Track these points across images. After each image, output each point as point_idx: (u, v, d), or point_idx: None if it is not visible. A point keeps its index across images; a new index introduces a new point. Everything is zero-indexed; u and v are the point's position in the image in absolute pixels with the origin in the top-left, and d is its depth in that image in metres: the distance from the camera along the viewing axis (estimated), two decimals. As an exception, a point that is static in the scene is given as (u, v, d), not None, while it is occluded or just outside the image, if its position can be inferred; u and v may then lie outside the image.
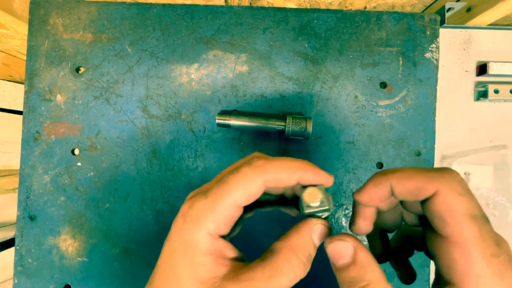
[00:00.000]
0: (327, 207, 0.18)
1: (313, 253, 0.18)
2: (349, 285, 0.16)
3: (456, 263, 0.15)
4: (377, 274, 0.16)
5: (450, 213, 0.16)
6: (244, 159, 0.20)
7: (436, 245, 0.17)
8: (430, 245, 0.17)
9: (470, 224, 0.15)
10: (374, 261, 0.17)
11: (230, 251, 0.18)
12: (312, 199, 0.18)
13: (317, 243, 0.18)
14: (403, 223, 0.22)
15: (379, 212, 0.21)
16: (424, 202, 0.17)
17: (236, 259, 0.18)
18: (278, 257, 0.17)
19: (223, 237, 0.18)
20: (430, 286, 0.19)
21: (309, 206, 0.18)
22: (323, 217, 0.19)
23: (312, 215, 0.19)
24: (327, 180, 0.19)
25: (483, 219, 0.16)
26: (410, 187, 0.17)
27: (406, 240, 0.23)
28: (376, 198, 0.18)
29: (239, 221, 0.21)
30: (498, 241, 0.16)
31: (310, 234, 0.18)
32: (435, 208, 0.16)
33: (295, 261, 0.17)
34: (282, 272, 0.16)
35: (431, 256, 0.21)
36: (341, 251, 0.17)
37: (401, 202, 0.21)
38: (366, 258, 0.17)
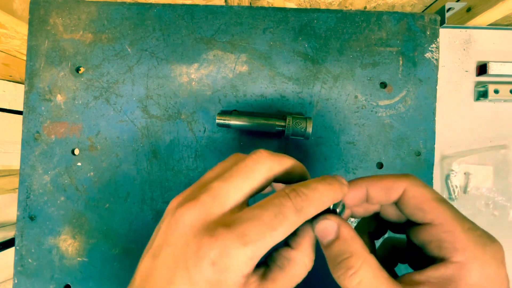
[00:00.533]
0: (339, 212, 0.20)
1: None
2: (335, 259, 0.18)
3: (444, 241, 0.17)
4: (359, 247, 0.17)
5: (424, 201, 0.18)
6: (247, 162, 0.18)
7: (422, 234, 0.19)
8: (417, 237, 0.19)
9: (443, 206, 0.18)
10: (357, 235, 0.18)
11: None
12: (338, 205, 0.20)
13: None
14: (387, 234, 0.24)
15: (367, 218, 0.23)
16: (398, 204, 0.20)
17: (255, 269, 0.18)
18: (295, 265, 0.18)
19: None
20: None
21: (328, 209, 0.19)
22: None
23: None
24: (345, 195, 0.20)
25: (448, 202, 0.18)
26: (383, 186, 0.20)
27: (392, 250, 0.24)
28: (352, 198, 0.20)
29: None
30: (468, 218, 0.18)
31: (315, 235, 0.19)
32: (410, 201, 0.19)
33: (308, 263, 0.18)
34: (300, 276, 0.18)
35: (414, 266, 0.22)
36: (327, 228, 0.18)
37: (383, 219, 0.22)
38: (349, 233, 0.18)
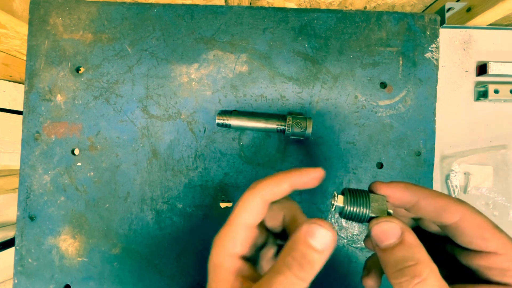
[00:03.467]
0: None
1: (308, 251, 0.18)
2: (396, 264, 0.17)
3: (510, 269, 0.17)
4: (425, 255, 0.17)
5: (486, 230, 0.18)
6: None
7: (479, 260, 0.18)
8: (471, 262, 0.19)
9: (503, 235, 0.18)
10: (421, 243, 0.17)
11: (248, 270, 0.20)
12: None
13: (315, 244, 0.18)
14: None
15: None
16: (448, 228, 0.19)
17: (253, 277, 0.19)
18: (273, 266, 0.18)
19: (247, 259, 0.20)
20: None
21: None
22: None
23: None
24: (314, 176, 0.20)
25: (502, 229, 0.18)
26: (437, 204, 0.19)
27: None
28: (399, 200, 0.20)
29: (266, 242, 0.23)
30: None
31: (306, 238, 0.19)
32: (468, 229, 0.18)
33: (288, 272, 0.18)
34: (277, 280, 0.17)
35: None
36: (388, 231, 0.18)
37: None
38: (414, 239, 0.17)
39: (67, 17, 0.39)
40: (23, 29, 0.54)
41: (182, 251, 0.38)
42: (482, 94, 0.41)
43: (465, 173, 0.42)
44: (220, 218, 0.38)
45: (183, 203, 0.38)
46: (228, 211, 0.38)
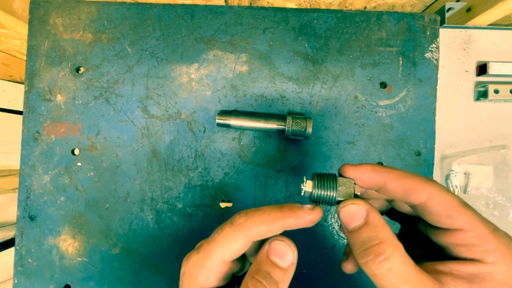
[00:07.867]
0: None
1: (268, 265, 0.19)
2: (362, 245, 0.17)
3: (475, 245, 0.17)
4: (389, 234, 0.17)
5: (452, 208, 0.18)
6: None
7: (447, 238, 0.19)
8: (441, 239, 0.19)
9: (469, 212, 0.18)
10: (385, 223, 0.18)
11: None
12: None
13: (273, 258, 0.19)
14: None
15: None
16: (417, 207, 0.19)
17: None
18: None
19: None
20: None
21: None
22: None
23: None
24: (311, 219, 0.19)
25: (469, 205, 0.18)
26: (404, 186, 0.19)
27: None
28: (366, 181, 0.20)
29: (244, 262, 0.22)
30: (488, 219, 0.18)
31: (270, 257, 0.19)
32: (436, 208, 0.18)
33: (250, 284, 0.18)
34: None
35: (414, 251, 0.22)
36: (354, 213, 0.18)
37: None
38: (379, 220, 0.18)
39: (67, 17, 0.39)
40: (23, 29, 0.54)
41: (182, 251, 0.38)
42: (482, 94, 0.41)
43: (465, 173, 0.42)
44: (220, 218, 0.38)
45: (183, 203, 0.38)
46: (228, 211, 0.38)
